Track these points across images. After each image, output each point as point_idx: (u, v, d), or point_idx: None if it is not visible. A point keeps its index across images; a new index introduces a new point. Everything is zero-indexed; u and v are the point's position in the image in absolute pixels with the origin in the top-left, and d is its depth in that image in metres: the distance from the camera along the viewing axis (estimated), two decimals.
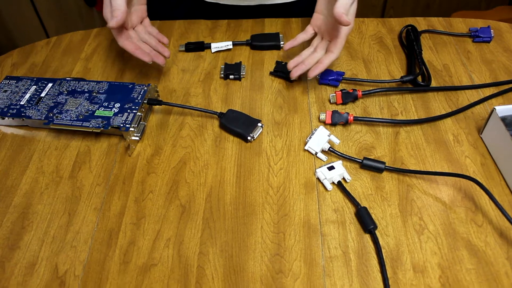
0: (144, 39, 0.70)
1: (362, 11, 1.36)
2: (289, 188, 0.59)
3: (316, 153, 0.62)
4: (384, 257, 0.52)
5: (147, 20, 0.72)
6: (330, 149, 0.61)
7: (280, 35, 0.79)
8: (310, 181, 0.60)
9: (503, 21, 1.41)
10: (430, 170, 0.60)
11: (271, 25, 0.84)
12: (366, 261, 0.52)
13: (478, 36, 0.80)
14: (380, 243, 0.53)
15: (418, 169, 0.61)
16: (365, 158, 0.60)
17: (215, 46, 0.79)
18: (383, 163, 0.59)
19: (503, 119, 0.61)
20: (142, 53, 0.66)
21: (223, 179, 0.60)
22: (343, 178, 0.59)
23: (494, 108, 0.61)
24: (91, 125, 0.64)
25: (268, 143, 0.64)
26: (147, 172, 0.62)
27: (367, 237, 0.54)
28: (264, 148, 0.64)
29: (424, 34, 0.81)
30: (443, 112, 0.67)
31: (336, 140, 0.62)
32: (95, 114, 0.65)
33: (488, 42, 0.80)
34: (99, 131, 0.63)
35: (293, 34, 0.82)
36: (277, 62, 0.75)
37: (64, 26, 1.87)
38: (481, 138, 0.64)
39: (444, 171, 0.59)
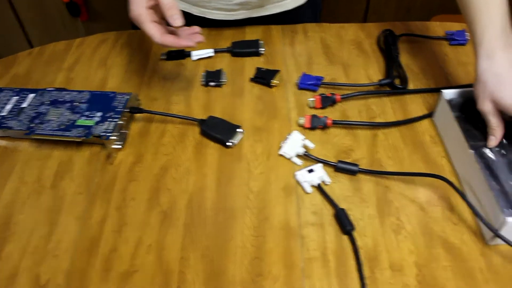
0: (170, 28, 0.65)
1: (345, 16, 1.38)
2: (269, 192, 0.60)
3: (290, 158, 0.63)
4: (362, 257, 0.53)
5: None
6: (305, 153, 0.62)
7: (260, 42, 0.81)
8: (289, 185, 0.60)
9: None
10: (408, 171, 0.61)
11: (252, 33, 0.85)
12: (344, 261, 0.53)
13: (454, 39, 0.81)
14: (358, 243, 0.54)
15: (396, 170, 0.62)
16: (339, 161, 0.61)
17: (196, 54, 0.80)
18: (356, 165, 0.60)
19: (450, 102, 0.64)
20: (185, 41, 0.63)
21: (204, 185, 0.61)
22: (323, 181, 0.60)
23: (441, 91, 0.64)
24: (72, 135, 0.64)
25: (248, 148, 0.65)
26: (128, 179, 0.62)
27: (346, 238, 0.55)
28: (244, 153, 0.64)
29: (402, 38, 0.83)
30: (420, 114, 0.69)
31: (310, 144, 0.63)
32: (77, 123, 0.66)
33: (464, 44, 0.81)
34: (80, 140, 0.64)
35: (274, 42, 0.83)
36: (257, 69, 0.76)
37: (48, 36, 1.87)
38: (433, 121, 0.68)
39: (420, 172, 0.60)
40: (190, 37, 0.64)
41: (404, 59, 0.79)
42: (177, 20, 0.60)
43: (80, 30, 1.88)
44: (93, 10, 1.81)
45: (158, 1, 0.60)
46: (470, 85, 0.63)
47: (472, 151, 0.59)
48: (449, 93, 0.65)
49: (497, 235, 0.52)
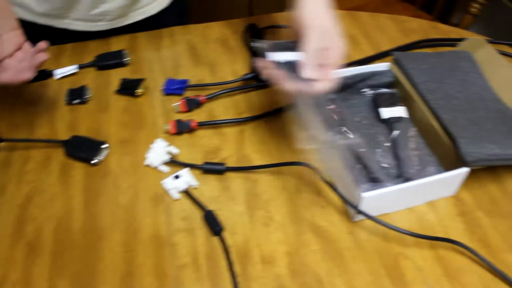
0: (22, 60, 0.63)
1: (227, 14, 1.37)
2: (137, 204, 0.58)
3: (157, 167, 0.61)
4: (233, 255, 0.53)
5: (26, 45, 0.65)
6: (171, 159, 0.61)
7: (124, 52, 0.78)
8: (157, 194, 0.59)
9: (356, 6, 1.50)
10: (276, 162, 0.62)
11: (117, 43, 0.83)
12: (216, 263, 0.53)
13: None
14: (229, 242, 0.54)
15: (264, 163, 0.62)
16: (205, 163, 0.60)
17: (59, 72, 0.77)
18: (222, 164, 0.60)
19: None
20: (23, 74, 0.61)
21: (71, 207, 0.59)
22: (190, 185, 0.59)
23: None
24: None
25: (115, 162, 0.63)
26: None
27: (216, 239, 0.55)
28: (111, 168, 0.62)
29: (268, 30, 0.84)
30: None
31: (175, 150, 0.62)
32: None
33: None
34: None
35: (140, 49, 0.81)
36: (122, 80, 0.74)
37: None
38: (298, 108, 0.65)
39: (284, 162, 0.61)
40: (32, 61, 0.61)
41: None
42: None
43: None
44: None
45: None
46: None
47: (329, 133, 0.60)
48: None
49: (357, 210, 0.53)
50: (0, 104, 0.73)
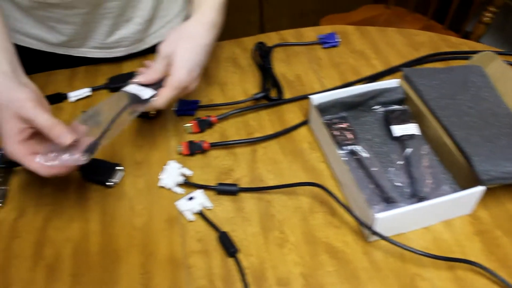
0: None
1: (241, 29, 1.38)
2: (153, 226, 0.59)
3: (171, 188, 0.62)
4: (249, 277, 0.53)
5: None
6: (185, 181, 0.62)
7: (136, 74, 0.79)
8: (172, 216, 0.60)
9: (365, 19, 1.50)
10: (289, 182, 0.62)
11: (129, 65, 0.84)
12: (231, 285, 0.53)
13: (326, 42, 0.84)
14: (244, 263, 0.54)
15: (277, 183, 0.62)
16: (219, 184, 0.61)
17: (73, 95, 0.78)
18: (235, 185, 0.60)
19: (318, 106, 0.66)
20: (68, 162, 0.56)
21: (88, 230, 0.59)
22: (204, 207, 0.60)
23: (309, 97, 0.66)
24: None
25: (130, 185, 0.64)
26: (11, 237, 0.59)
27: (232, 260, 0.55)
28: (126, 190, 0.63)
29: (277, 48, 0.84)
30: (297, 122, 0.70)
31: (188, 172, 0.63)
32: None
33: (336, 46, 0.84)
34: None
35: None
36: None
37: None
38: (309, 127, 0.69)
39: (297, 182, 0.61)
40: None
41: (280, 68, 0.80)
42: (65, 138, 0.54)
43: None
44: None
45: (35, 126, 0.54)
46: (342, 86, 0.64)
47: (341, 152, 0.60)
48: (317, 98, 0.66)
49: (372, 231, 0.53)
50: None
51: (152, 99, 0.61)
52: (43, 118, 0.54)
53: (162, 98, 0.61)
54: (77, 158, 0.55)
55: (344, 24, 0.92)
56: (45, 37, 0.78)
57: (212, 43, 0.65)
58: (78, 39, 0.79)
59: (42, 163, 0.55)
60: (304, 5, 1.73)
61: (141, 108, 0.60)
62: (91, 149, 0.56)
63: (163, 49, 0.63)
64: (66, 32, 0.77)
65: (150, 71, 0.64)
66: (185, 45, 0.63)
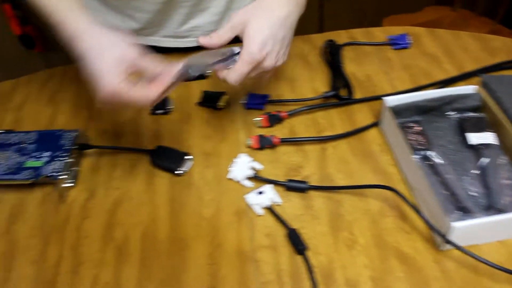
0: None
1: (302, 24, 1.39)
2: (221, 217, 0.59)
3: (240, 181, 0.62)
4: (317, 275, 0.53)
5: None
6: (255, 175, 0.62)
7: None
8: (241, 209, 0.60)
9: (430, 21, 1.46)
10: (358, 183, 0.61)
11: None
12: (299, 282, 0.53)
13: (396, 43, 0.82)
14: (313, 262, 0.54)
15: (347, 183, 0.62)
16: (288, 180, 0.61)
17: None
18: (305, 182, 0.60)
19: (393, 108, 0.65)
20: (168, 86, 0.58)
21: (157, 216, 0.60)
22: (274, 202, 0.60)
23: (383, 99, 0.65)
24: (21, 178, 0.63)
25: (198, 174, 0.64)
26: (82, 217, 0.61)
27: (300, 258, 0.55)
28: (194, 180, 0.64)
29: (346, 47, 0.83)
30: (367, 123, 0.69)
31: (258, 166, 0.63)
32: (25, 165, 0.64)
33: (407, 48, 0.82)
34: (28, 182, 0.63)
35: None
36: (204, 92, 0.75)
37: (3, 71, 1.83)
38: (380, 129, 0.68)
39: (369, 184, 0.60)
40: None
41: (350, 67, 0.79)
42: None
43: (38, 62, 1.85)
44: (49, 40, 1.78)
45: (139, 68, 0.57)
46: (414, 89, 0.63)
47: (415, 157, 0.59)
48: (391, 100, 0.65)
49: (445, 240, 0.52)
50: (89, 113, 0.76)
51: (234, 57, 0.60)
52: (151, 57, 0.57)
53: (235, 72, 0.58)
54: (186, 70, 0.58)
55: (408, 26, 0.90)
56: (118, 25, 0.80)
57: (292, 18, 0.62)
58: (152, 27, 0.80)
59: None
60: (364, 3, 1.71)
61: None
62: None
63: (234, 18, 0.60)
64: (142, 20, 0.78)
65: (214, 35, 0.61)
66: (259, 15, 0.59)
